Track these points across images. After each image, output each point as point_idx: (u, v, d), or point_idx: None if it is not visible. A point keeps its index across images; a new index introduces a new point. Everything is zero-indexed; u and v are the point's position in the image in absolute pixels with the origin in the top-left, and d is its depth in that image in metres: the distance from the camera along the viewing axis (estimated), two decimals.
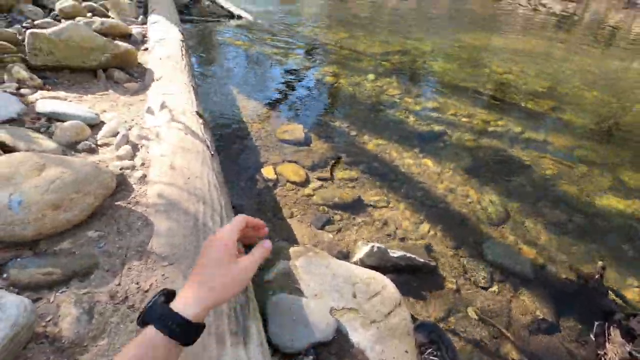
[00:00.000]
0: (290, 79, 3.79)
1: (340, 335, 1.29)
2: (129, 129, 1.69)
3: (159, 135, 1.63)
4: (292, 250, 1.62)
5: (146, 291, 0.98)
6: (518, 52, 5.07)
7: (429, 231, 2.03)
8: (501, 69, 4.43)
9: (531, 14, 7.39)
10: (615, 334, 1.38)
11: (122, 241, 1.10)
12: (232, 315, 0.98)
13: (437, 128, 3.07)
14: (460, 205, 2.24)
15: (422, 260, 1.74)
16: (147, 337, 0.46)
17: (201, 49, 4.35)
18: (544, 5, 7.96)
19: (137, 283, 0.99)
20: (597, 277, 1.72)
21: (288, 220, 1.98)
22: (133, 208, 1.23)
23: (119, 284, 0.99)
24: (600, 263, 1.76)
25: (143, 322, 0.49)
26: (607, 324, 1.48)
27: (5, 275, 0.95)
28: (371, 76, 3.91)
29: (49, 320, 0.87)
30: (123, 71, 2.26)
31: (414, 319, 1.45)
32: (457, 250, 1.93)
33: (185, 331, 0.47)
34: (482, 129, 3.13)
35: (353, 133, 2.89)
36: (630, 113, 3.68)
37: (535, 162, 2.73)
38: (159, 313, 0.48)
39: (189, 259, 1.06)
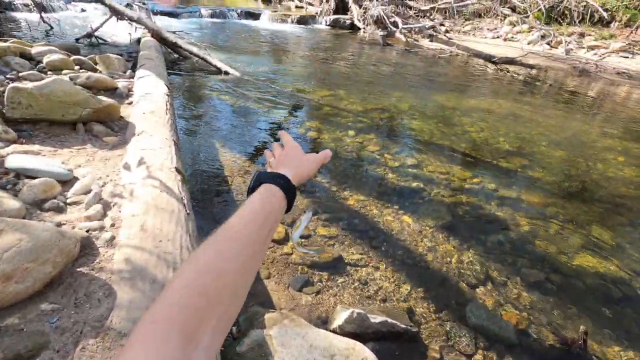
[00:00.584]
0: (274, 133, 3.88)
1: None
2: (103, 186, 1.64)
3: (133, 193, 1.59)
4: (267, 317, 1.53)
5: None
6: (488, 113, 5.42)
7: (410, 292, 1.98)
8: (474, 128, 4.69)
9: (498, 78, 8.06)
10: None
11: (78, 315, 1.01)
12: None
13: (415, 184, 3.14)
14: (440, 264, 2.22)
15: (403, 325, 1.67)
16: (265, 188, 0.55)
17: (187, 103, 4.45)
18: (508, 70, 8.71)
19: None
20: (580, 342, 1.69)
21: (265, 281, 1.90)
22: (96, 275, 1.15)
23: None
24: (582, 328, 1.74)
25: (256, 183, 0.56)
26: None
27: None
28: (351, 132, 4.06)
29: None
30: (104, 125, 2.25)
31: None
32: (440, 313, 1.87)
33: (290, 188, 0.57)
34: (459, 186, 3.22)
35: (334, 188, 2.91)
36: (594, 171, 3.90)
37: (511, 220, 2.79)
38: (270, 175, 0.57)
39: None
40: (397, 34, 10.60)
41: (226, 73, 5.46)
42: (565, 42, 10.43)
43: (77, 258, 1.19)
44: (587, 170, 3.91)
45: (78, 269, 1.16)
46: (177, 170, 1.93)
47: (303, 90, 5.41)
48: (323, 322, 1.69)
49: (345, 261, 2.13)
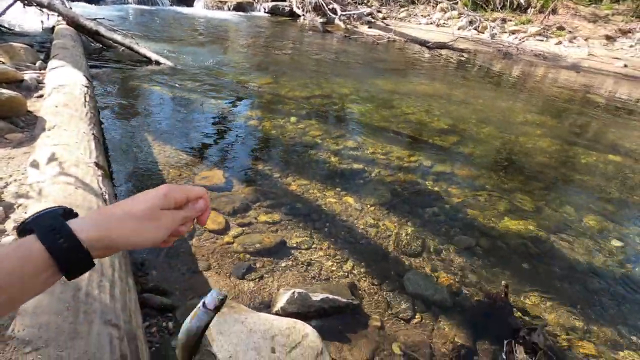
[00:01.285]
0: (212, 124, 3.73)
1: None
2: (4, 187, 1.47)
3: (41, 192, 1.44)
4: None
5: None
6: (424, 95, 5.69)
7: (352, 269, 2.04)
8: (411, 110, 4.90)
9: (433, 62, 8.47)
10: (519, 350, 1.47)
11: None
12: None
13: (356, 166, 3.22)
14: (381, 239, 2.31)
15: (345, 300, 1.72)
16: (23, 246, 0.37)
17: (114, 96, 4.11)
18: (441, 55, 9.19)
19: None
20: (502, 296, 1.86)
21: (205, 273, 1.84)
22: None
23: None
24: (503, 283, 1.92)
25: (24, 230, 0.39)
26: (513, 341, 1.58)
27: None
28: (293, 119, 4.03)
29: None
30: (5, 121, 2.00)
31: None
32: (380, 285, 1.95)
33: (72, 253, 0.38)
34: (398, 165, 3.36)
35: (276, 175, 2.88)
36: (517, 144, 4.28)
37: (445, 193, 2.98)
38: (48, 223, 0.39)
39: (61, 339, 0.90)
40: (337, 21, 10.67)
41: (157, 63, 5.12)
42: (490, 27, 11.23)
43: None
44: (511, 143, 4.28)
45: None
46: (96, 164, 1.78)
47: (242, 79, 5.25)
48: (266, 307, 1.69)
49: (288, 245, 2.13)
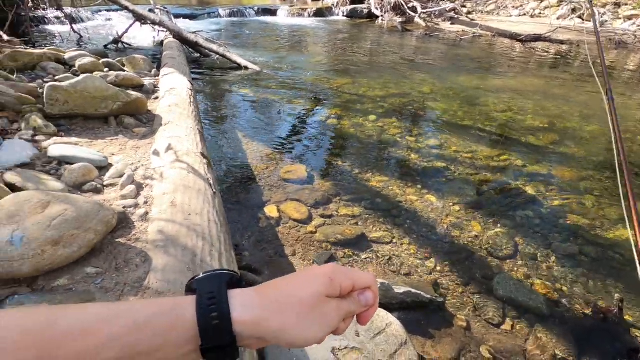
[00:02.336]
0: (295, 122, 3.93)
1: None
2: (135, 170, 1.75)
3: (162, 175, 1.68)
4: None
5: None
6: (514, 91, 5.22)
7: (435, 267, 1.97)
8: (499, 107, 4.54)
9: (525, 56, 7.72)
10: None
11: (119, 277, 1.10)
12: None
13: (439, 164, 3.09)
14: (466, 239, 2.20)
15: (428, 296, 1.68)
16: (176, 305, 0.32)
17: (210, 97, 4.59)
18: (536, 48, 8.32)
19: None
20: (615, 311, 1.63)
21: (290, 258, 1.96)
22: (133, 245, 1.24)
23: None
24: (617, 296, 1.67)
25: (189, 288, 0.35)
26: None
27: None
28: (372, 117, 4.04)
29: None
30: (133, 117, 2.38)
31: (421, 358, 1.37)
32: (466, 286, 1.86)
33: (219, 335, 0.31)
34: (485, 165, 3.15)
35: (356, 171, 2.92)
36: (636, 145, 3.68)
37: (541, 195, 2.70)
38: (211, 289, 0.33)
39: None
40: (417, 19, 10.37)
41: (246, 68, 5.56)
42: (600, 13, 9.81)
43: (115, 230, 1.28)
44: (625, 143, 3.70)
45: (117, 240, 1.25)
46: (202, 155, 2.02)
47: (323, 80, 5.43)
48: None
49: (369, 238, 2.15)
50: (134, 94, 2.44)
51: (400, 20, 10.22)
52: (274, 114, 4.17)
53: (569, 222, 2.41)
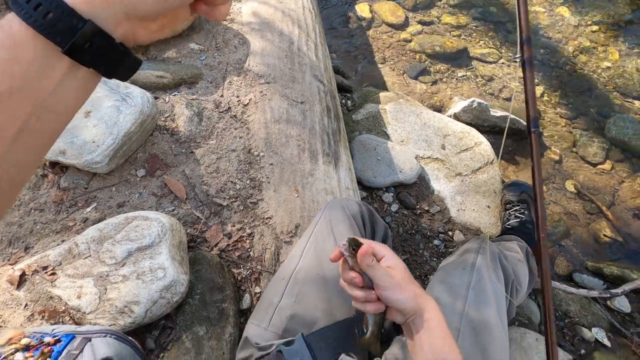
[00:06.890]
0: None
1: (422, 180, 1.29)
2: None
3: None
4: (382, 95, 1.53)
5: (246, 105, 1.02)
6: None
7: (542, 95, 1.74)
8: None
9: None
10: None
11: (221, 57, 1.11)
12: (325, 138, 0.99)
13: None
14: (593, 69, 1.82)
15: (524, 123, 1.54)
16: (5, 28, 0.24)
17: None
18: None
19: (237, 97, 1.03)
20: None
21: (379, 65, 1.83)
22: (229, 25, 1.19)
23: (222, 96, 1.03)
24: None
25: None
26: None
27: None
28: None
29: (167, 117, 0.97)
30: None
31: (502, 181, 1.38)
32: (572, 120, 1.66)
33: (61, 24, 0.24)
34: None
35: None
36: None
37: None
38: None
39: (284, 80, 1.05)
40: None
41: None
42: None
43: None
44: None
45: None
46: None
47: None
48: (436, 110, 1.65)
49: (471, 55, 1.87)
50: None
51: None
52: None
53: None
